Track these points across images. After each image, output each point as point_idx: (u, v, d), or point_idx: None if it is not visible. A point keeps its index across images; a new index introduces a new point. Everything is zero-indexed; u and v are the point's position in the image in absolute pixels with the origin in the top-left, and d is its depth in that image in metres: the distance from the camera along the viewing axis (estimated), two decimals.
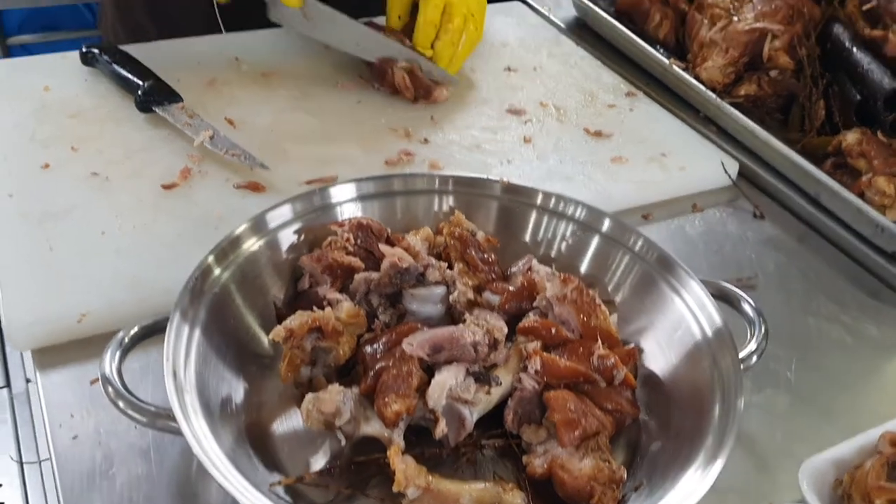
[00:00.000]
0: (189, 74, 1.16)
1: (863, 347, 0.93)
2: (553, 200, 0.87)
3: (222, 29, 1.34)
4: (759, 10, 1.24)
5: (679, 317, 0.76)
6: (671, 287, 0.78)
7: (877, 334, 0.95)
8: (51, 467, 0.70)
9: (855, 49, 1.19)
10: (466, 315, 0.76)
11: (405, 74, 1.16)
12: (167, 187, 0.95)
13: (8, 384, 1.71)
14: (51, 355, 0.78)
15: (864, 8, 1.22)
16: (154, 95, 1.05)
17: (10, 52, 2.38)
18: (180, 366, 0.65)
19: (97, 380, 0.75)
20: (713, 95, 1.22)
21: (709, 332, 0.73)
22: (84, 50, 1.13)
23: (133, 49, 1.16)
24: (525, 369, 0.71)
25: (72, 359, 0.78)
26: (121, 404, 0.65)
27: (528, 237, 0.88)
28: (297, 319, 0.71)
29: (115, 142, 1.02)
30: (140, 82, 1.06)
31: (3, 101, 1.06)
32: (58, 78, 1.12)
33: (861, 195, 1.06)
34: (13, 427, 1.66)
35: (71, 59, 1.15)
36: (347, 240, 0.81)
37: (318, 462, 0.69)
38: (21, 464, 0.90)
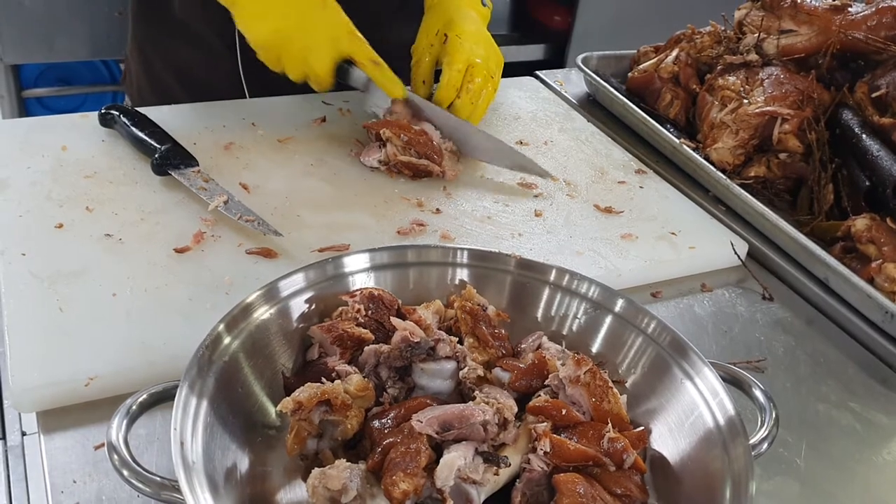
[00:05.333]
0: (206, 138, 1.18)
1: (872, 435, 0.92)
2: (566, 278, 0.87)
3: (247, 94, 1.37)
4: (770, 94, 1.26)
5: (691, 403, 0.75)
6: (684, 372, 0.77)
7: (886, 423, 0.94)
8: None
9: (864, 136, 1.20)
10: (476, 392, 0.76)
11: (398, 155, 1.17)
12: (180, 251, 0.96)
13: (3, 436, 1.68)
14: (55, 418, 0.78)
15: (874, 95, 1.24)
16: (170, 159, 1.07)
17: (25, 105, 2.41)
18: (187, 437, 0.64)
19: (102, 445, 0.74)
20: (723, 176, 1.23)
21: (721, 421, 0.72)
22: (103, 111, 1.15)
23: (151, 111, 1.18)
24: (534, 450, 0.71)
25: (76, 422, 0.77)
26: (126, 473, 0.64)
27: (539, 313, 0.87)
28: (306, 392, 0.71)
29: (130, 204, 1.03)
30: (157, 146, 1.08)
31: (22, 159, 1.07)
32: (76, 138, 1.13)
33: (870, 281, 1.06)
34: (6, 482, 1.63)
35: (89, 119, 1.17)
36: (358, 311, 0.81)
37: None
38: None
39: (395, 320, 0.80)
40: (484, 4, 1.34)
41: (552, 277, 0.88)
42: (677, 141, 1.32)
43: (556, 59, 2.91)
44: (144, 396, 0.69)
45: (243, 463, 0.70)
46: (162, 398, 0.69)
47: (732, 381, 0.79)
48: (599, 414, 0.74)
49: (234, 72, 1.37)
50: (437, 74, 1.29)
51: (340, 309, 0.82)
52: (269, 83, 1.26)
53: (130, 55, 1.52)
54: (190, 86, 1.44)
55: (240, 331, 0.75)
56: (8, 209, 0.99)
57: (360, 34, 1.17)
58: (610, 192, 1.23)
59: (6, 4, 1.92)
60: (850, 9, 1.28)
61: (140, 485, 0.63)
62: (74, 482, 0.72)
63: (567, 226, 1.14)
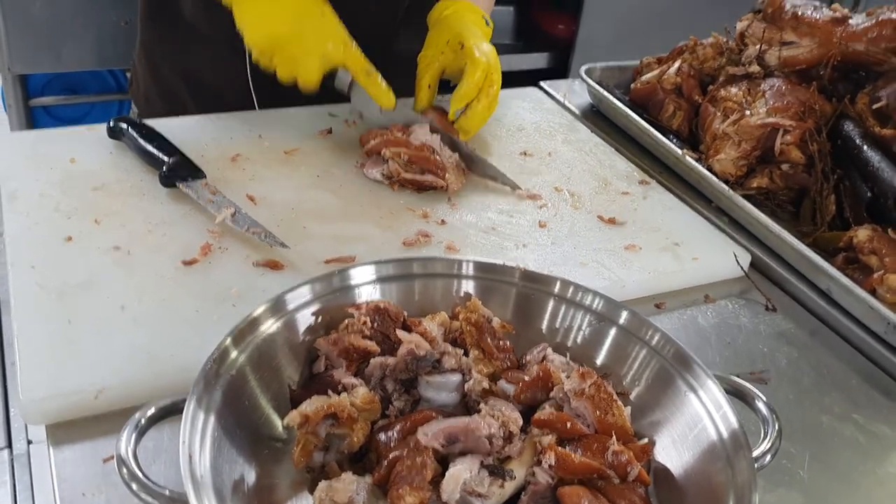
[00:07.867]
0: (213, 150, 1.19)
1: (875, 447, 0.92)
2: (571, 290, 0.87)
3: (256, 106, 1.38)
4: (772, 105, 1.26)
5: (695, 416, 0.76)
6: (688, 384, 0.78)
7: (890, 434, 0.94)
8: None
9: (866, 147, 1.21)
10: (481, 404, 0.76)
11: (401, 172, 1.18)
12: (187, 263, 0.97)
13: (9, 445, 1.69)
14: (64, 430, 0.78)
15: (875, 107, 1.24)
16: (178, 171, 1.07)
17: (32, 114, 2.42)
18: (196, 451, 0.65)
19: (110, 458, 0.75)
20: (726, 187, 1.23)
21: (724, 433, 0.73)
22: (111, 123, 1.16)
23: (159, 123, 1.19)
24: (539, 463, 0.71)
25: (85, 435, 0.78)
26: (135, 487, 0.64)
27: (544, 325, 0.88)
28: (312, 405, 0.71)
29: (138, 216, 1.03)
30: (165, 158, 1.08)
31: (30, 171, 1.08)
32: (84, 150, 1.14)
33: (873, 292, 1.06)
34: (12, 491, 1.63)
35: (97, 131, 1.18)
36: (364, 323, 0.82)
37: None
38: None
39: (400, 333, 0.80)
40: (487, 24, 1.35)
41: (557, 289, 0.88)
42: (680, 152, 1.32)
43: (560, 68, 2.92)
44: (153, 410, 0.69)
45: (250, 476, 0.71)
46: (170, 412, 0.70)
47: (736, 394, 0.79)
48: (604, 426, 0.74)
49: (243, 76, 1.38)
50: (441, 83, 1.30)
51: (346, 321, 0.82)
52: (278, 90, 1.27)
53: (138, 61, 1.52)
54: (197, 91, 1.45)
55: (247, 344, 0.76)
56: (17, 221, 0.99)
57: (354, 45, 1.20)
58: (613, 203, 1.24)
59: (14, 15, 1.93)
60: (850, 21, 1.29)
61: (149, 498, 0.64)
62: (83, 495, 0.72)
63: (571, 237, 1.14)
